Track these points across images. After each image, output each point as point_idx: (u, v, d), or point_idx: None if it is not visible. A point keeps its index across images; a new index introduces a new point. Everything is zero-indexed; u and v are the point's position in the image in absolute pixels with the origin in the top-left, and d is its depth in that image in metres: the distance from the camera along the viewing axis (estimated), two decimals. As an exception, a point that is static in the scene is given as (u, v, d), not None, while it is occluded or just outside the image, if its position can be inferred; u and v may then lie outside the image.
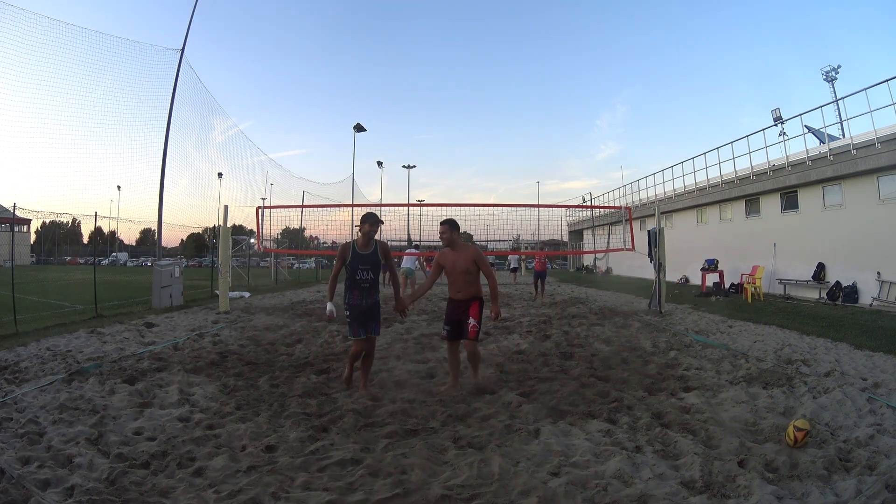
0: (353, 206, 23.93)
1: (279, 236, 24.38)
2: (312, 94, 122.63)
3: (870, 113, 12.13)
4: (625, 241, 12.19)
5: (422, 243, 17.39)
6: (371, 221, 4.32)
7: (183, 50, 14.48)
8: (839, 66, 26.23)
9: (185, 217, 30.97)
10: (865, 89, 12.18)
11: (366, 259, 4.30)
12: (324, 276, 25.12)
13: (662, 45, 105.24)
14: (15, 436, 3.17)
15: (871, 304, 11.82)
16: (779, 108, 21.07)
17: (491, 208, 13.88)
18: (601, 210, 28.93)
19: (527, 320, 9.18)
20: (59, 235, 60.22)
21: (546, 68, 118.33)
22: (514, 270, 23.09)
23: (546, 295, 14.28)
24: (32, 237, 49.73)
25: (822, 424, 3.52)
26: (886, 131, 11.66)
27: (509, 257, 23.85)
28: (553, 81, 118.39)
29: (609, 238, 16.76)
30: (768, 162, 16.03)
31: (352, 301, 4.36)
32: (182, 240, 58.01)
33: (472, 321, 4.37)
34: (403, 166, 51.01)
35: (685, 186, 21.68)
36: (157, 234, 16.71)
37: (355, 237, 4.52)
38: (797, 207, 15.14)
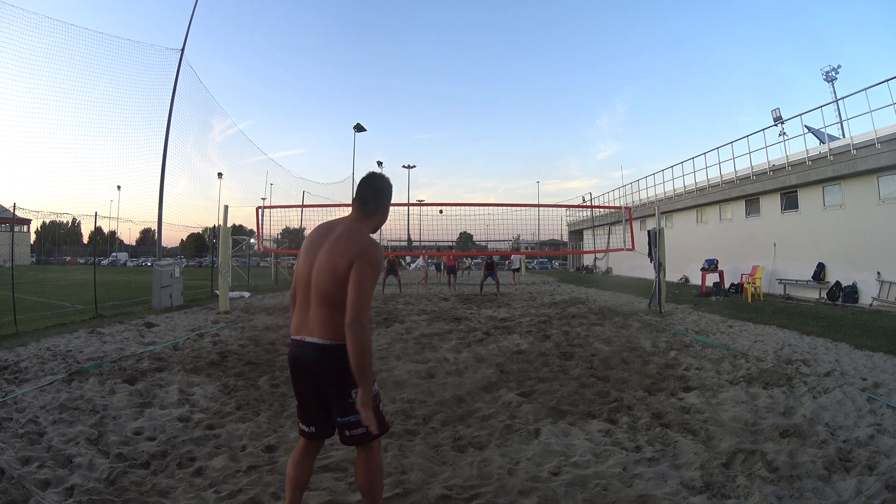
0: (353, 205, 23.87)
1: (279, 236, 24.40)
2: (312, 93, 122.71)
3: (870, 113, 12.12)
4: (625, 241, 12.18)
5: (422, 242, 17.36)
6: None
7: (183, 50, 14.52)
8: (839, 66, 26.24)
9: (185, 217, 31.13)
10: (865, 89, 12.18)
11: None
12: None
13: (662, 44, 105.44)
14: (15, 436, 3.17)
15: (871, 304, 11.81)
16: (779, 108, 21.07)
17: (491, 208, 13.88)
18: (601, 210, 28.87)
19: (527, 320, 9.18)
20: (59, 235, 60.23)
21: (546, 68, 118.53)
22: (516, 271, 23.13)
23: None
24: (32, 237, 49.70)
25: (822, 424, 3.51)
26: (886, 131, 11.64)
27: (513, 256, 23.89)
28: (553, 81, 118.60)
29: (609, 238, 16.71)
30: (768, 162, 16.02)
31: None
32: (182, 240, 58.25)
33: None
34: (403, 166, 51.12)
35: (685, 186, 21.67)
36: (157, 234, 16.72)
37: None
38: (797, 207, 15.13)
